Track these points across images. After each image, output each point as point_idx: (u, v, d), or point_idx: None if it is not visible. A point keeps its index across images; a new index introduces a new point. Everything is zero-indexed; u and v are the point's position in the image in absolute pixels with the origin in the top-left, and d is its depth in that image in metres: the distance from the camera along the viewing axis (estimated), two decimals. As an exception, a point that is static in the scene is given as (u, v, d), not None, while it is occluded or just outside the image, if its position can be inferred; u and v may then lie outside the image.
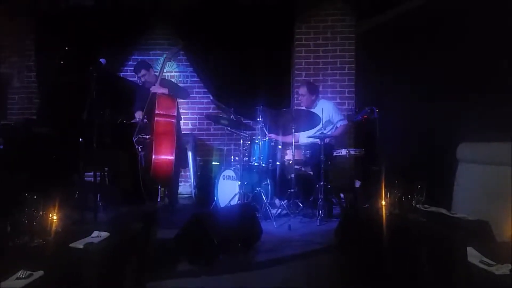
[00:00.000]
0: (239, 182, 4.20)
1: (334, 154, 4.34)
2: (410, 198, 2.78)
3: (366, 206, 3.75)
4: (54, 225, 2.02)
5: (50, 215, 2.04)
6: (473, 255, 1.85)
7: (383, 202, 2.74)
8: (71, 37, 5.51)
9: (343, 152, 4.27)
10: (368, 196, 3.87)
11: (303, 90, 4.73)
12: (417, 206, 2.76)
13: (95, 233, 2.05)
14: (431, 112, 4.05)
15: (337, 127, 4.63)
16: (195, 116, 6.08)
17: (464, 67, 3.67)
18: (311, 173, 4.44)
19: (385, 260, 2.41)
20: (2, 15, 5.53)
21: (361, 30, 5.64)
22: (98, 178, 3.41)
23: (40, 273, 1.51)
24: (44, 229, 1.99)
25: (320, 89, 5.65)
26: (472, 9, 3.66)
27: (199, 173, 5.59)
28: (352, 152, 4.29)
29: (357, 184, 4.49)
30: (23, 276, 1.47)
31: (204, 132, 6.08)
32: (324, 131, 4.13)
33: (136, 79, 4.70)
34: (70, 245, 1.88)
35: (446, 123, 3.85)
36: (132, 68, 5.66)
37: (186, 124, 5.96)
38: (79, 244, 1.88)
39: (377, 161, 4.26)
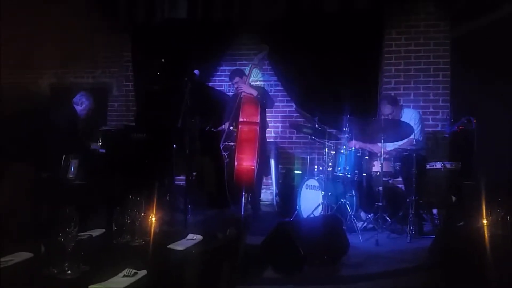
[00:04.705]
0: (323, 193, 4.12)
1: (428, 167, 4.08)
2: (516, 218, 2.53)
3: (461, 224, 3.48)
4: (153, 226, 2.15)
5: (150, 217, 2.18)
6: None
7: (485, 221, 2.53)
8: (165, 48, 5.86)
9: (438, 165, 4.00)
10: (464, 213, 3.59)
11: (388, 109, 4.29)
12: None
13: (190, 236, 2.13)
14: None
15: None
16: (278, 124, 6.11)
17: None
18: (401, 186, 4.23)
19: (489, 285, 2.22)
20: (102, 30, 6.05)
21: (457, 35, 5.28)
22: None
23: (144, 272, 1.59)
24: (144, 229, 2.12)
25: (411, 97, 5.40)
26: None
27: (281, 181, 5.59)
28: (448, 166, 4.00)
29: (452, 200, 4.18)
30: (130, 274, 1.55)
31: (287, 140, 6.08)
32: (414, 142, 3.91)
33: (225, 87, 4.86)
34: (168, 246, 1.98)
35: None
36: (220, 78, 6.00)
37: (269, 132, 6.00)
38: (177, 246, 1.96)
39: (473, 176, 3.94)
